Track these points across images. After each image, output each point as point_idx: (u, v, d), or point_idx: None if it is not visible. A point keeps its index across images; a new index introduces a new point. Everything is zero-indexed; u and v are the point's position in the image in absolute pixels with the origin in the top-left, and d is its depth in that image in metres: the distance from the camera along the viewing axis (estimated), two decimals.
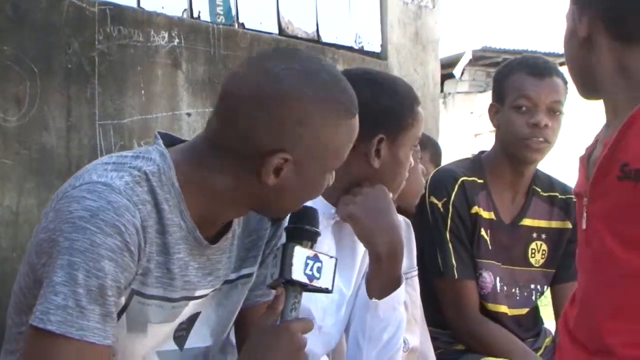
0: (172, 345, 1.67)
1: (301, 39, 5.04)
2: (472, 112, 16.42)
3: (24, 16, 3.38)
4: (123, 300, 1.54)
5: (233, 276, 1.74)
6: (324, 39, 5.21)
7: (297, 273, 1.59)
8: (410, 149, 2.17)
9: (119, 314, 1.55)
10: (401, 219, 2.61)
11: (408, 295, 2.50)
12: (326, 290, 1.66)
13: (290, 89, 1.55)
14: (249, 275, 1.78)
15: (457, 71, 16.64)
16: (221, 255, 1.68)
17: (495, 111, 2.87)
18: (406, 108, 2.14)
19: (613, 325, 1.70)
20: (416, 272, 2.59)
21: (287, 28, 4.95)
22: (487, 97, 3.10)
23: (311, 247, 1.64)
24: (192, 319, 1.69)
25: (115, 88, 3.65)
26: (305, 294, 1.90)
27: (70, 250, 1.44)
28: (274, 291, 1.74)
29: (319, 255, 1.63)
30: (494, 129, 2.89)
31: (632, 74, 1.75)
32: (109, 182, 1.49)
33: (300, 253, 1.60)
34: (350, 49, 5.32)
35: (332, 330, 2.19)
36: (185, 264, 1.60)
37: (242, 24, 4.66)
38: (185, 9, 4.12)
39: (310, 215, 1.68)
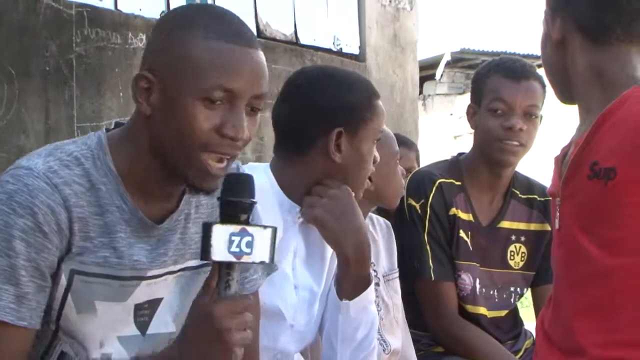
0: (134, 331, 1.67)
1: (279, 40, 5.04)
2: (451, 114, 16.45)
3: (0, 19, 3.37)
4: (64, 280, 1.55)
5: (194, 263, 1.72)
6: (302, 40, 5.22)
7: (219, 253, 1.48)
8: (373, 143, 2.16)
9: (64, 296, 1.56)
10: (381, 220, 2.61)
11: (389, 298, 2.51)
12: (264, 264, 1.56)
13: (169, 19, 1.63)
14: None
15: (436, 73, 16.69)
16: (171, 235, 1.67)
17: (472, 113, 2.87)
18: (363, 101, 2.14)
19: (584, 324, 1.71)
20: (397, 274, 2.60)
21: (265, 30, 4.95)
22: (466, 99, 3.11)
23: (247, 221, 1.53)
24: (155, 303, 1.68)
25: (94, 90, 3.64)
26: (274, 293, 1.95)
27: None
28: (249, 285, 1.79)
29: (249, 228, 1.50)
30: (473, 130, 2.89)
31: (604, 75, 1.76)
32: (31, 166, 1.52)
33: (220, 232, 1.48)
34: (328, 50, 5.33)
35: (305, 328, 2.20)
36: (131, 244, 1.60)
37: None
38: (162, 11, 4.11)
39: (241, 185, 1.56)
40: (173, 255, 1.68)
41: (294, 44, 5.07)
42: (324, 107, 2.10)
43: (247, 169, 2.20)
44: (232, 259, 1.49)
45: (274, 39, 4.97)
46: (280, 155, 2.18)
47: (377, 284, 2.47)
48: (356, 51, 5.53)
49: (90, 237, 1.56)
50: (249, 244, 1.49)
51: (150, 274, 1.64)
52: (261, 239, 1.50)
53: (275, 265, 1.81)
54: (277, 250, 2.09)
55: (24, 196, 1.49)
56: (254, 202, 1.55)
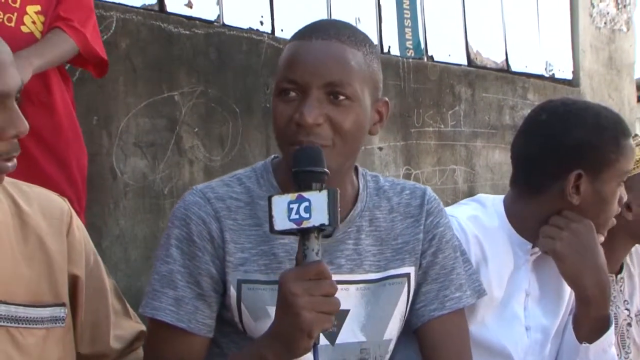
0: (323, 340, 1.70)
1: (490, 69, 5.01)
2: None
3: (226, 60, 3.54)
4: (233, 291, 1.65)
5: (375, 276, 1.74)
6: (514, 68, 5.17)
7: (281, 223, 1.48)
8: (618, 184, 2.03)
9: (238, 306, 1.66)
10: None
11: None
12: (324, 227, 1.48)
13: None
14: (398, 276, 1.78)
15: None
16: (341, 245, 1.71)
17: None
18: (608, 142, 1.99)
19: None
20: None
21: (476, 59, 4.94)
22: None
23: (321, 188, 1.50)
24: (342, 315, 1.70)
25: None
26: (504, 333, 1.96)
27: (158, 245, 1.71)
28: (449, 303, 1.78)
29: (305, 193, 1.48)
30: None
31: None
32: (196, 186, 1.72)
33: (279, 202, 1.48)
34: (540, 77, 5.25)
35: None
36: (293, 249, 1.63)
37: (431, 57, 4.69)
38: (375, 45, 4.19)
39: (307, 156, 1.53)
40: (347, 263, 1.71)
41: (505, 72, 5.03)
42: (564, 147, 1.98)
43: (479, 198, 2.17)
44: (294, 225, 1.48)
45: (484, 67, 4.94)
46: (515, 189, 2.09)
47: (629, 324, 2.35)
48: (569, 76, 5.42)
49: (246, 247, 1.66)
50: (307, 209, 1.47)
51: None
52: (317, 201, 1.47)
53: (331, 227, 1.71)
54: (508, 288, 2.07)
55: (180, 210, 1.68)
56: (324, 172, 1.53)
